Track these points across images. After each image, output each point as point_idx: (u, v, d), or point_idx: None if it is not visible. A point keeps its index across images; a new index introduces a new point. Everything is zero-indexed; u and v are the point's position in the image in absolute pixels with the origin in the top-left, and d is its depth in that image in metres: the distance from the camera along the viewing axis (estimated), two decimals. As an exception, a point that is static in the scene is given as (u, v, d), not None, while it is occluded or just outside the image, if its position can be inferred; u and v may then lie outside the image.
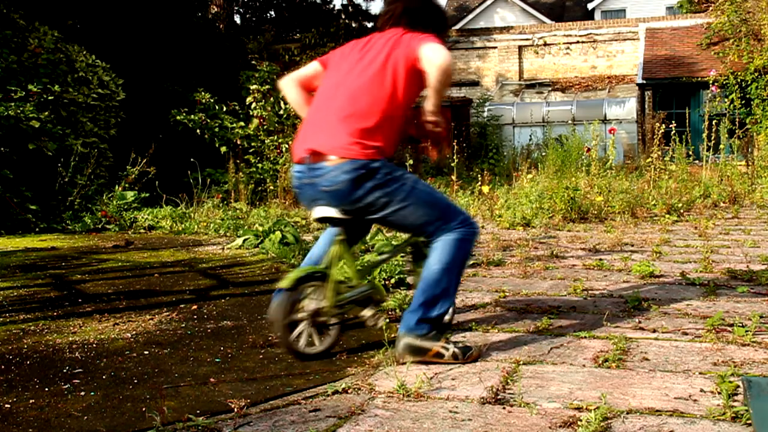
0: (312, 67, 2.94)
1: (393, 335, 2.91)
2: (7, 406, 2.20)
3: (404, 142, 3.06)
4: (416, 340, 2.54)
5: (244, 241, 5.96)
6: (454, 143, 10.62)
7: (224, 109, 10.85)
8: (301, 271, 2.65)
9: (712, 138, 9.99)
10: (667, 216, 7.11)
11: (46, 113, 8.06)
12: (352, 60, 2.74)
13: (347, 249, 2.79)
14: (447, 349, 2.54)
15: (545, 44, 20.10)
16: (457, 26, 26.61)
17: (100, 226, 7.60)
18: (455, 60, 20.35)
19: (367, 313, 2.84)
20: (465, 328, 3.06)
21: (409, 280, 3.84)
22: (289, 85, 2.94)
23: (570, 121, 16.95)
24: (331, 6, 25.03)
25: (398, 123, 2.69)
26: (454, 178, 9.17)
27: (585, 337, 2.85)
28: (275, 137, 10.53)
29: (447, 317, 2.94)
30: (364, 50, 2.74)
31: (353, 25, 22.04)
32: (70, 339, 3.00)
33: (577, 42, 19.91)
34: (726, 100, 15.90)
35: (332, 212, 2.62)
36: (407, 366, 2.51)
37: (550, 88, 19.19)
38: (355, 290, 2.80)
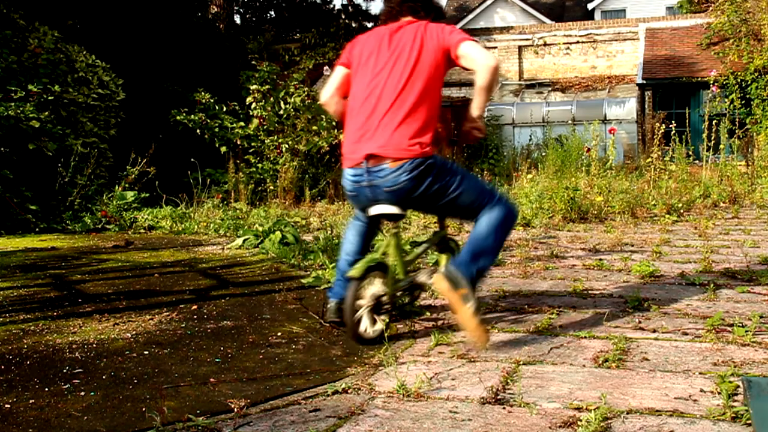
0: (340, 74, 3.04)
1: (393, 335, 2.92)
2: (7, 406, 2.20)
3: (446, 145, 3.14)
4: (457, 273, 2.67)
5: (244, 241, 5.96)
6: (454, 143, 10.62)
7: (224, 109, 10.84)
8: (367, 261, 2.84)
9: (712, 138, 9.98)
10: (667, 216, 7.11)
11: (46, 113, 8.06)
12: (384, 58, 2.84)
13: (399, 242, 3.01)
14: (474, 303, 2.62)
15: (545, 44, 20.11)
16: (457, 26, 26.56)
17: (100, 226, 7.60)
18: (455, 60, 20.35)
19: (425, 278, 3.12)
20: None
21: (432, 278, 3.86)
22: (332, 101, 3.08)
23: (570, 121, 16.94)
24: (331, 6, 25.03)
25: (438, 114, 2.85)
26: (454, 178, 9.17)
27: (585, 337, 2.85)
28: (275, 137, 10.53)
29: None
30: (393, 46, 2.85)
31: (353, 25, 22.04)
32: (70, 339, 3.00)
33: (577, 42, 19.91)
34: (726, 100, 15.90)
35: (393, 209, 2.82)
36: (407, 366, 2.51)
37: (550, 88, 19.19)
38: (406, 279, 3.06)
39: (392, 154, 2.70)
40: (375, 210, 2.85)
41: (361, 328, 2.80)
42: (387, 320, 2.90)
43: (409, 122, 2.73)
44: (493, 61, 2.72)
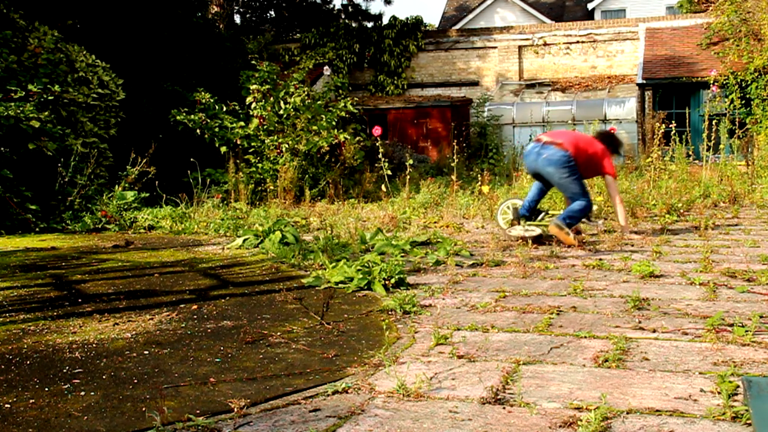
0: None
1: (393, 335, 2.92)
2: (7, 406, 2.20)
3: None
4: (561, 223, 5.40)
5: (244, 241, 5.95)
6: (454, 143, 10.62)
7: (224, 109, 10.83)
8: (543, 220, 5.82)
9: (712, 138, 9.97)
10: (667, 216, 7.10)
11: (46, 113, 8.06)
12: None
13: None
14: (570, 234, 5.40)
15: (545, 44, 20.11)
16: (457, 26, 26.62)
17: (100, 226, 7.60)
18: (455, 60, 20.36)
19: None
20: (465, 327, 3.06)
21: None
22: None
23: (570, 121, 16.93)
24: (331, 6, 25.02)
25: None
26: (454, 178, 9.17)
27: (585, 337, 2.85)
28: (275, 137, 10.51)
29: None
30: None
31: (353, 25, 22.03)
32: (70, 339, 3.00)
33: (577, 42, 19.92)
34: (726, 100, 15.87)
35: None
36: (407, 366, 2.51)
37: (550, 88, 19.18)
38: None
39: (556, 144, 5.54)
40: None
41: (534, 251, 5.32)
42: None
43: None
44: None
